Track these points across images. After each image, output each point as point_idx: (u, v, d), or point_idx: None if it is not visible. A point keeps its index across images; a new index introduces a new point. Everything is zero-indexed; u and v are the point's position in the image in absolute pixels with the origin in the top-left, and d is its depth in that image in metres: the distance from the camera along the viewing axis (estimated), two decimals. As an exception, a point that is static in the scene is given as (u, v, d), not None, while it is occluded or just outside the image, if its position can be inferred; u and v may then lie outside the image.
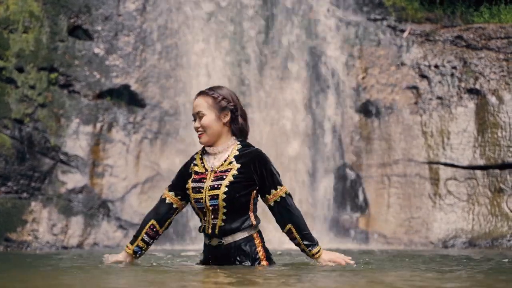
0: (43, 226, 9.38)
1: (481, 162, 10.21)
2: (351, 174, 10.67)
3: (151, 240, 4.17)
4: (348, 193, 10.62)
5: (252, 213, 4.01)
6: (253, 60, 10.71)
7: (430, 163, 10.43)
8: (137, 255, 4.21)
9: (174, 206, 4.15)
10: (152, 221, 4.16)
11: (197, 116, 4.08)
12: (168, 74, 10.42)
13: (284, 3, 11.01)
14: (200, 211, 4.02)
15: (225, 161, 4.03)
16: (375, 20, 11.23)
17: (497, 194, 9.97)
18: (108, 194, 9.83)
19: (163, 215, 4.15)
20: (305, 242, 4.00)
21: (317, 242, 4.08)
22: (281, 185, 4.04)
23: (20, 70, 9.53)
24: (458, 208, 10.12)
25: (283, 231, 4.03)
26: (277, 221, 4.03)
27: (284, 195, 4.01)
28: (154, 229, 4.14)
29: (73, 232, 9.56)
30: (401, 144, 10.59)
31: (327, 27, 11.09)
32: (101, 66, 10.12)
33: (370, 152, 10.67)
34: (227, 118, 4.06)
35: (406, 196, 10.39)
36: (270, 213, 4.07)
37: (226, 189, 3.94)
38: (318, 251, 4.04)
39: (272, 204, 4.01)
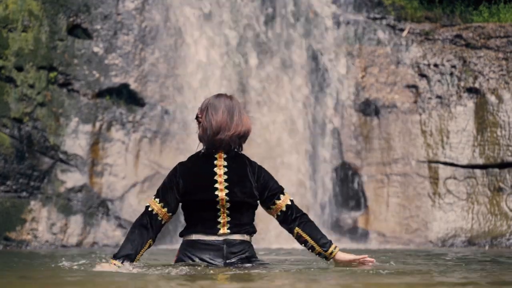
0: (42, 225, 9.37)
1: (480, 161, 10.22)
2: (350, 173, 10.67)
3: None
4: (348, 192, 10.62)
5: (187, 223, 4.10)
6: (252, 59, 10.71)
7: (429, 162, 10.43)
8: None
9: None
10: None
11: None
12: (167, 73, 10.42)
13: (283, 2, 11.01)
14: None
15: None
16: (374, 19, 11.23)
17: (497, 193, 9.98)
18: (107, 193, 9.83)
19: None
20: None
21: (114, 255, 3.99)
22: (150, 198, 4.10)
23: (19, 69, 9.52)
24: (457, 207, 10.13)
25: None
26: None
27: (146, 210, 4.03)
28: None
29: (73, 231, 9.56)
30: (401, 143, 10.59)
31: (326, 26, 11.09)
32: (100, 65, 10.12)
33: (369, 151, 10.67)
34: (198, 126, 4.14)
35: (405, 195, 10.39)
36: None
37: None
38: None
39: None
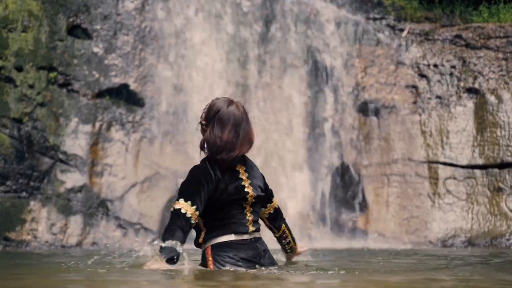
0: (42, 225, 9.37)
1: (480, 161, 10.22)
2: (350, 174, 10.67)
3: None
4: (347, 192, 10.62)
5: (204, 229, 3.99)
6: (252, 60, 10.71)
7: (429, 162, 10.43)
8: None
9: None
10: None
11: None
12: (167, 73, 10.42)
13: (283, 2, 11.01)
14: None
15: None
16: (374, 19, 11.23)
17: (496, 193, 9.98)
18: (107, 193, 9.83)
19: None
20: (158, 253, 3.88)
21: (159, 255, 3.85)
22: (178, 200, 3.90)
23: (19, 69, 9.52)
24: (457, 207, 10.13)
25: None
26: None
27: (172, 209, 3.91)
28: None
29: (72, 231, 9.56)
30: (400, 144, 10.59)
31: (326, 26, 11.09)
32: (100, 65, 10.12)
33: (369, 152, 10.67)
34: (201, 130, 4.09)
35: (405, 196, 10.39)
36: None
37: None
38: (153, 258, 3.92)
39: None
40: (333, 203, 10.52)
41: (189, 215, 3.83)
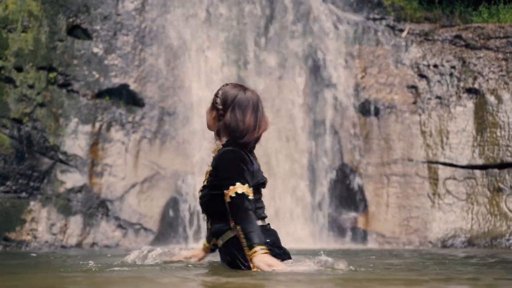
0: (42, 225, 9.37)
1: (480, 161, 10.22)
2: (350, 174, 10.67)
3: None
4: (347, 192, 10.62)
5: (232, 219, 3.82)
6: (251, 60, 10.71)
7: (429, 162, 10.43)
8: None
9: None
10: None
11: None
12: (167, 73, 10.42)
13: (283, 2, 11.01)
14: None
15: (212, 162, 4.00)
16: (374, 19, 11.23)
17: (496, 193, 9.98)
18: (107, 193, 9.83)
19: None
20: (247, 242, 3.68)
21: (257, 244, 3.71)
22: (233, 184, 3.74)
23: (19, 69, 9.52)
24: (457, 208, 10.13)
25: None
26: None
27: (233, 195, 3.74)
28: None
29: (72, 232, 9.56)
30: (400, 144, 10.60)
31: (326, 27, 11.09)
32: (100, 65, 10.12)
33: (369, 152, 10.67)
34: (214, 115, 4.00)
35: (405, 196, 10.39)
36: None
37: (201, 193, 3.97)
38: (255, 252, 3.71)
39: (227, 203, 3.83)
40: (332, 203, 10.52)
41: (251, 197, 3.76)
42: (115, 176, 9.93)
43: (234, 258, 3.80)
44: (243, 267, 3.75)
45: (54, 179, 9.60)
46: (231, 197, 3.73)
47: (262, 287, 3.15)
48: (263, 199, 4.04)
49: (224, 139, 3.95)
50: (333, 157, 10.71)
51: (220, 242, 3.90)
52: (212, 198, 3.88)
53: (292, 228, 10.11)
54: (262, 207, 3.95)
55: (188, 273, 3.77)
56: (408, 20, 11.20)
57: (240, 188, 3.73)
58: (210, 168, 3.93)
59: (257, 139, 3.99)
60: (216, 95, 4.02)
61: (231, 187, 3.74)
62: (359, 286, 3.17)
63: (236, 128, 3.88)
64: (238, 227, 3.72)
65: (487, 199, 10.01)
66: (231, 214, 3.78)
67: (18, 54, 9.52)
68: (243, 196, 3.72)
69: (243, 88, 4.03)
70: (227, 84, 4.08)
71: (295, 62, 10.90)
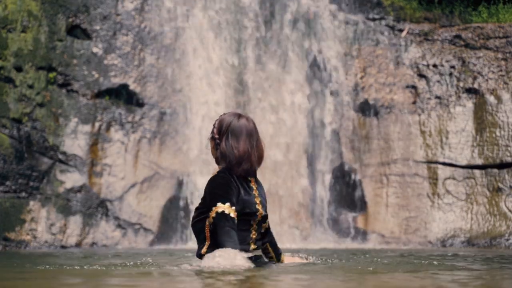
0: (41, 225, 9.37)
1: (479, 161, 10.22)
2: (349, 174, 10.67)
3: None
4: (347, 192, 10.63)
5: (208, 241, 3.89)
6: (251, 60, 10.71)
7: (428, 162, 10.44)
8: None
9: None
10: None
11: None
12: (167, 73, 10.42)
13: (283, 2, 11.01)
14: None
15: None
16: (373, 19, 11.23)
17: (496, 193, 9.98)
18: (107, 193, 9.83)
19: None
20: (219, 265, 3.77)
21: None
22: (215, 205, 3.81)
23: (19, 69, 9.52)
24: (456, 208, 10.13)
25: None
26: None
27: (214, 215, 3.81)
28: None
29: (72, 232, 9.55)
30: (400, 144, 10.60)
31: (325, 27, 11.09)
32: (100, 65, 10.12)
33: (368, 152, 10.68)
34: (213, 144, 4.05)
35: (404, 196, 10.40)
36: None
37: (192, 219, 4.03)
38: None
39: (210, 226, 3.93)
40: (332, 203, 10.52)
41: (233, 216, 3.80)
42: (115, 176, 9.92)
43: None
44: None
45: (54, 179, 9.60)
46: (213, 217, 3.82)
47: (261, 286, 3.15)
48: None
49: (221, 167, 3.99)
50: (333, 157, 10.71)
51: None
52: (200, 221, 3.93)
53: (292, 228, 10.12)
54: (243, 239, 3.89)
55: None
56: (408, 20, 11.20)
57: (221, 207, 3.80)
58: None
59: (257, 165, 4.01)
60: (213, 125, 4.07)
61: (213, 208, 3.82)
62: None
63: (232, 155, 3.92)
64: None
65: (486, 199, 10.02)
66: (211, 234, 3.85)
67: (17, 54, 9.52)
68: (222, 214, 3.78)
69: (238, 115, 4.05)
70: (225, 114, 4.12)
71: (295, 62, 10.89)
